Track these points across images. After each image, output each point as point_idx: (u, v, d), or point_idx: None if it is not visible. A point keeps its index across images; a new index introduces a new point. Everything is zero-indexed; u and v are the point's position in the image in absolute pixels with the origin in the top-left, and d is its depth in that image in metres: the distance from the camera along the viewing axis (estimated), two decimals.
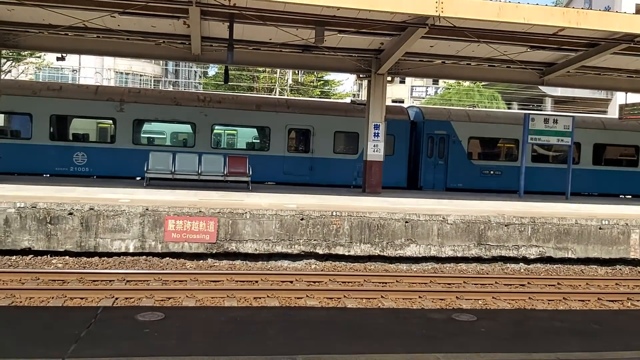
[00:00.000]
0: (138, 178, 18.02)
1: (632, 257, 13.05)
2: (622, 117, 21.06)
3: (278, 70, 40.21)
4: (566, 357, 4.67)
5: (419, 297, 9.58)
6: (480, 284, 10.79)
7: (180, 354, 4.36)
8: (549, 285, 11.09)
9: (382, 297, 9.46)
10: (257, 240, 11.54)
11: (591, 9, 27.54)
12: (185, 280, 9.89)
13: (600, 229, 12.90)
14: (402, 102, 46.82)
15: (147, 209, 11.25)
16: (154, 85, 49.23)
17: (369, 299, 9.39)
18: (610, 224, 12.96)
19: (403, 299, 9.48)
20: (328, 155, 20.18)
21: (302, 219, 11.74)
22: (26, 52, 29.90)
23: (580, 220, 12.89)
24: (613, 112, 32.20)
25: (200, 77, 60.92)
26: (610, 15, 13.50)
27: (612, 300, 9.99)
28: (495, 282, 10.97)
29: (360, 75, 18.15)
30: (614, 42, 14.50)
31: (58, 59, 18.21)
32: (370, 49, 16.52)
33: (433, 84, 55.20)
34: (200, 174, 16.13)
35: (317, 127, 20.10)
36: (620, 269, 12.91)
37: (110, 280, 9.66)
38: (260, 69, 40.76)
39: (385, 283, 10.51)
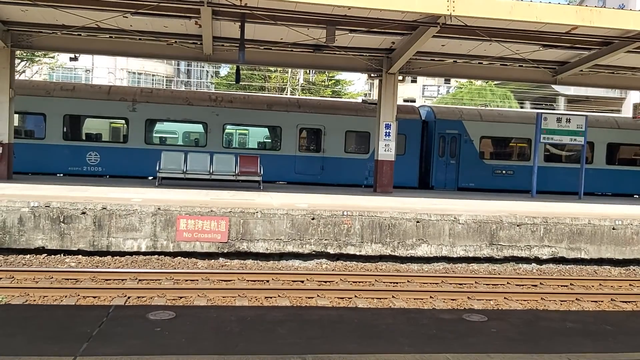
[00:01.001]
0: (150, 177, 18.13)
1: None
2: (636, 116, 20.85)
3: (289, 69, 40.25)
4: (577, 358, 4.64)
5: (430, 297, 9.55)
6: (492, 285, 10.74)
7: (190, 353, 4.39)
8: (561, 285, 11.00)
9: (393, 297, 9.44)
10: (268, 239, 11.56)
11: (605, 7, 27.33)
12: (197, 280, 9.93)
13: (613, 229, 12.78)
14: (414, 101, 46.71)
15: (159, 209, 11.31)
16: (166, 85, 49.52)
17: (380, 299, 9.37)
18: (624, 224, 12.83)
19: (414, 299, 9.46)
20: (339, 154, 20.18)
21: (313, 219, 11.75)
22: (40, 53, 30.16)
23: (593, 220, 12.78)
24: (627, 111, 31.90)
25: (212, 76, 61.13)
26: (625, 14, 13.36)
27: (625, 301, 9.90)
28: (507, 283, 10.90)
29: (372, 75, 18.12)
30: (628, 40, 14.37)
31: (71, 59, 18.39)
32: (381, 48, 16.49)
33: (445, 83, 55.02)
34: (211, 174, 16.20)
35: (328, 127, 20.11)
36: (634, 270, 12.77)
37: (122, 280, 9.72)
38: (272, 68, 40.82)
39: (397, 283, 10.49)
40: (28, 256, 10.97)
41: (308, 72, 43.25)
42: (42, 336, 4.72)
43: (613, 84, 20.52)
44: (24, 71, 32.79)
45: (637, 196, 22.15)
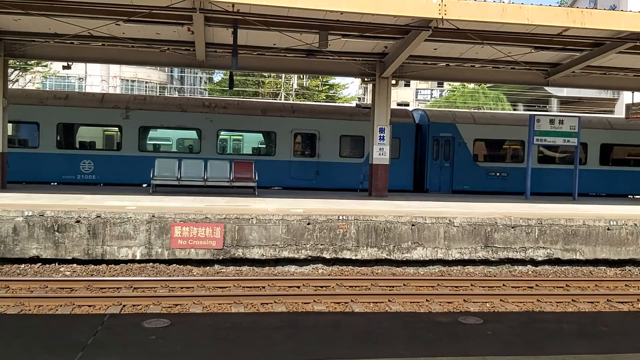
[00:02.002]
0: (144, 185, 18.07)
1: None
2: (629, 116, 20.94)
3: (283, 75, 40.30)
4: (573, 359, 4.64)
5: (426, 300, 9.55)
6: (488, 287, 10.75)
7: None
8: (557, 287, 11.02)
9: (389, 301, 9.43)
10: (263, 245, 11.54)
11: (596, 8, 27.49)
12: (192, 287, 9.90)
13: (608, 229, 12.81)
14: (407, 105, 46.82)
15: (153, 216, 11.28)
16: (159, 92, 49.47)
17: (376, 303, 9.37)
18: (618, 224, 12.87)
19: (410, 302, 9.46)
20: (334, 159, 20.19)
21: (308, 224, 11.74)
22: (33, 62, 30.10)
23: (588, 221, 12.81)
24: (620, 112, 32.04)
25: (205, 83, 61.13)
26: (616, 14, 13.43)
27: (621, 302, 9.91)
28: (503, 285, 10.92)
29: (365, 79, 18.14)
30: (619, 41, 14.43)
31: (64, 67, 18.36)
32: (374, 52, 16.52)
33: (438, 86, 55.21)
34: (206, 180, 16.15)
35: (322, 131, 20.12)
36: (630, 270, 12.81)
37: (117, 288, 9.68)
38: (265, 74, 40.85)
39: (393, 287, 10.48)
40: (23, 266, 10.92)
41: (302, 77, 43.31)
42: (37, 346, 4.70)
43: (605, 84, 20.62)
44: (17, 80, 32.71)
45: (631, 196, 22.24)
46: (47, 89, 33.61)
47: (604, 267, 12.80)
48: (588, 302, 9.85)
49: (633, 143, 22.27)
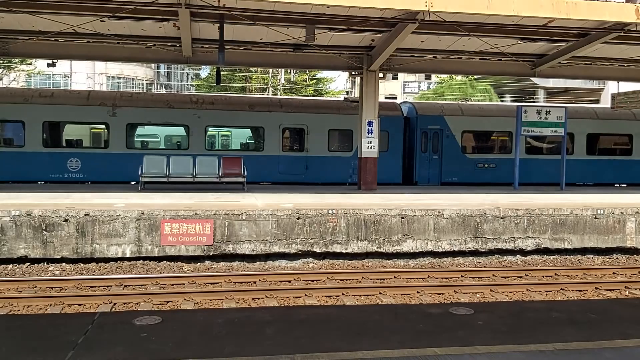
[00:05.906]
0: (133, 182, 17.97)
1: (629, 245, 13.09)
2: (615, 106, 21.10)
3: (270, 69, 40.16)
4: (563, 347, 4.68)
5: (417, 292, 9.58)
6: (478, 278, 10.80)
7: (177, 358, 4.36)
8: (546, 276, 11.10)
9: (380, 293, 9.46)
10: (254, 240, 11.52)
11: None
12: (183, 284, 9.86)
13: (595, 218, 12.93)
14: (395, 98, 46.85)
15: (142, 213, 11.22)
16: (146, 88, 49.15)
17: (367, 295, 9.38)
18: (605, 213, 12.99)
19: (401, 294, 9.48)
20: (323, 153, 20.18)
21: (298, 218, 11.73)
22: (17, 60, 29.77)
23: (576, 210, 12.92)
24: (605, 102, 32.29)
25: (192, 79, 60.81)
26: (600, 5, 13.52)
27: (609, 290, 10.00)
28: (493, 275, 10.97)
29: (353, 73, 18.14)
30: (604, 31, 14.54)
31: (49, 65, 18.22)
32: (361, 46, 16.51)
33: (425, 79, 55.30)
34: (195, 176, 16.10)
35: (311, 126, 20.10)
36: (617, 258, 12.94)
37: (107, 286, 9.62)
38: (253, 69, 40.71)
39: (383, 279, 10.51)
40: (11, 266, 10.81)
41: (289, 71, 43.20)
42: (26, 347, 4.66)
43: (591, 75, 20.78)
44: (1, 79, 32.35)
45: (618, 185, 22.45)
46: (32, 87, 33.30)
47: (592, 256, 12.92)
48: (577, 291, 9.93)
49: (619, 132, 22.47)
